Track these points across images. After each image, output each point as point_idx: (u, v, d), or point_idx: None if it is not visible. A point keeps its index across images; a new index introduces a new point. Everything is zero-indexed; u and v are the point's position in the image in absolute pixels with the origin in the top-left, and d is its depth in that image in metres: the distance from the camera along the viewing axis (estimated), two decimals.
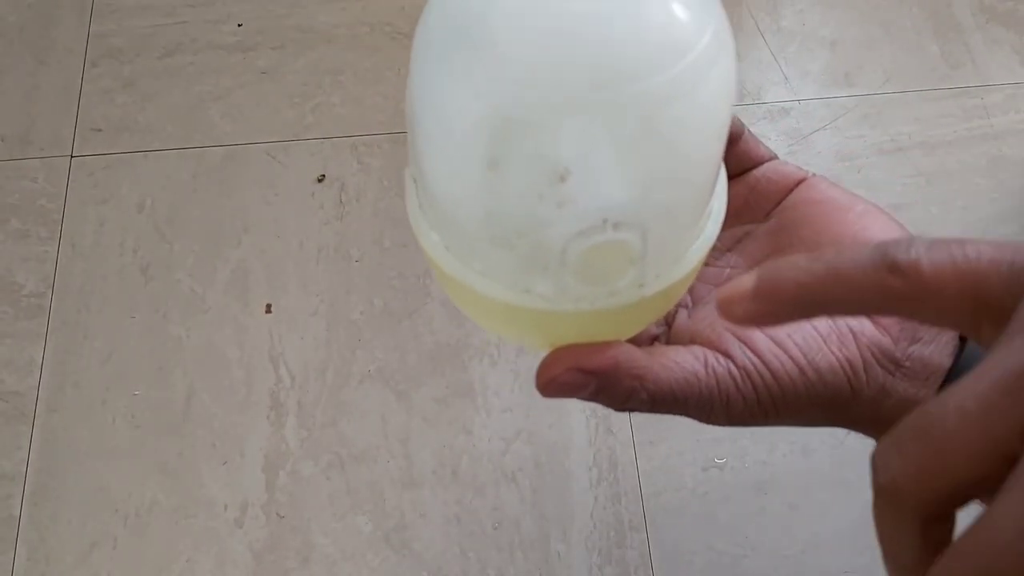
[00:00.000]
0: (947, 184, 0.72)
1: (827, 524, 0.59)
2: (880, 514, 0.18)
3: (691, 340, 0.29)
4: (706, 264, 0.32)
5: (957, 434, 0.16)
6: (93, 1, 0.79)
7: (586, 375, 0.26)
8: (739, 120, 0.31)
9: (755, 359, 0.27)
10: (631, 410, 0.27)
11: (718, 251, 0.33)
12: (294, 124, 0.73)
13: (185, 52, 0.77)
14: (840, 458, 0.61)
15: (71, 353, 0.64)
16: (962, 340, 0.28)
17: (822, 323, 0.27)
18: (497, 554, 0.58)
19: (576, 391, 0.26)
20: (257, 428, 0.62)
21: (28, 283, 0.66)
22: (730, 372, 0.27)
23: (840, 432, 0.60)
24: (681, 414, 0.27)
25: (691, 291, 0.32)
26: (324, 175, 0.71)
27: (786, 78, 0.76)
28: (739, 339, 0.27)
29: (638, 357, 0.26)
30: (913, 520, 0.17)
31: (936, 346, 0.28)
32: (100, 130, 0.73)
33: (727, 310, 0.20)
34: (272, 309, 0.66)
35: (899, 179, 0.72)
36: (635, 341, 0.29)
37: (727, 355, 0.27)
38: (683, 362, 0.27)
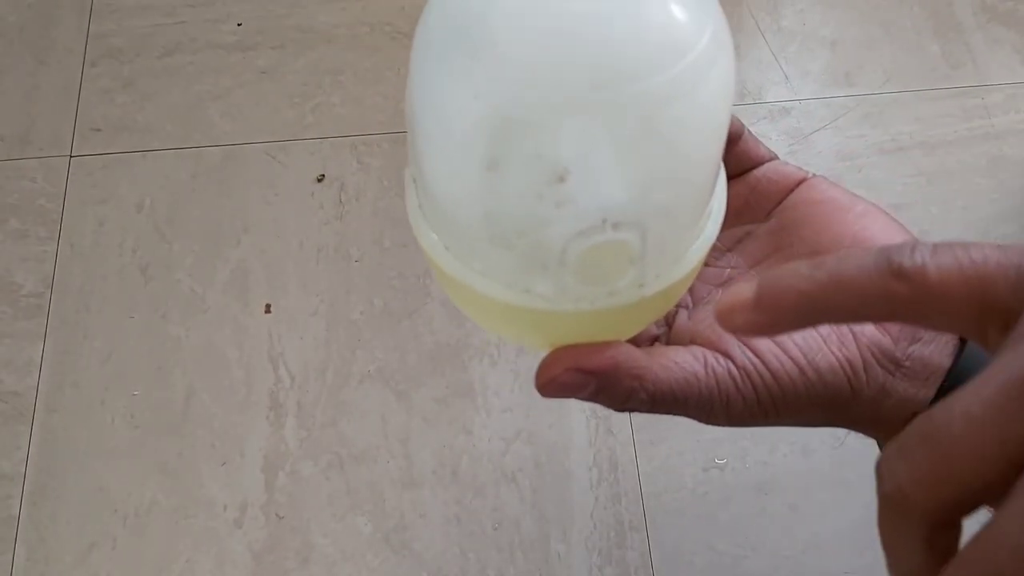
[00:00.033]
0: (948, 184, 0.71)
1: (828, 524, 0.59)
2: (885, 522, 0.17)
3: (691, 340, 0.29)
4: (706, 264, 0.32)
5: (964, 440, 0.15)
6: (92, 1, 0.79)
7: (586, 375, 0.25)
8: (739, 120, 0.31)
9: (755, 359, 0.27)
10: (631, 410, 0.27)
11: (718, 251, 0.33)
12: (294, 124, 0.73)
13: (184, 52, 0.77)
14: (840, 458, 0.61)
15: (70, 353, 0.64)
16: (962, 340, 0.28)
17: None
18: (497, 554, 0.58)
19: (575, 391, 0.26)
20: (257, 428, 0.61)
21: (27, 283, 0.66)
22: (730, 372, 0.27)
23: (840, 432, 0.60)
24: (681, 414, 0.27)
25: (691, 291, 0.32)
26: (324, 175, 0.71)
27: (787, 78, 0.76)
28: (739, 340, 0.27)
29: (638, 357, 0.26)
30: (919, 528, 0.16)
31: (936, 346, 0.28)
32: (99, 130, 0.73)
33: (727, 320, 0.20)
34: (272, 309, 0.66)
35: (900, 179, 0.72)
36: (635, 341, 0.29)
37: (727, 355, 0.27)
38: (683, 362, 0.27)
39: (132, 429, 0.61)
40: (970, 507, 0.16)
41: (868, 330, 0.27)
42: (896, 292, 0.18)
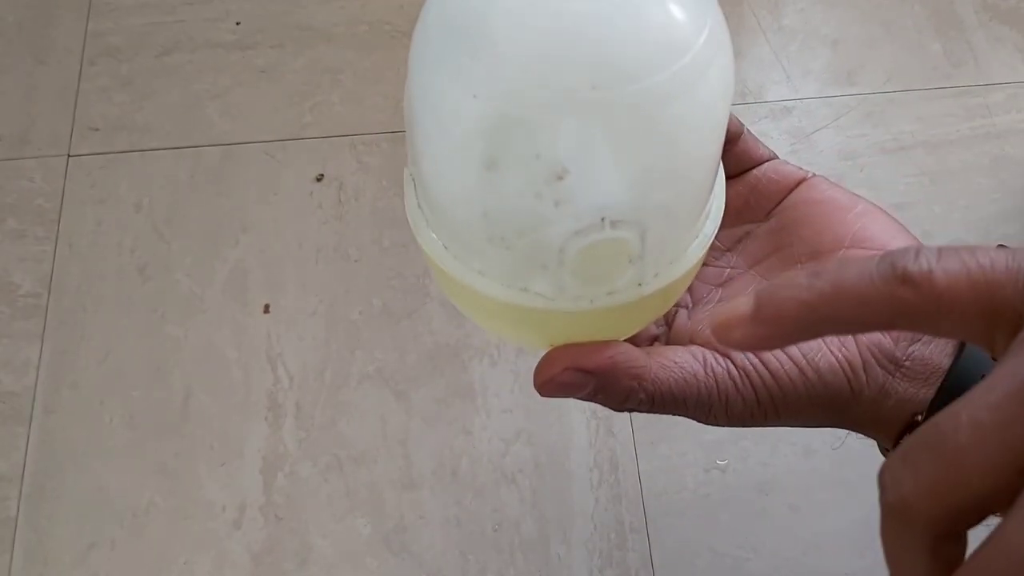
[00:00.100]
0: (950, 183, 0.71)
1: (829, 525, 0.59)
2: (889, 533, 0.17)
3: (691, 340, 0.28)
4: (706, 264, 0.32)
5: (971, 447, 0.15)
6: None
7: (584, 375, 0.25)
8: (738, 120, 0.31)
9: (754, 359, 0.27)
10: (630, 410, 0.27)
11: (718, 251, 0.32)
12: (293, 123, 0.73)
13: (183, 50, 0.76)
14: (841, 459, 0.61)
15: (68, 353, 0.64)
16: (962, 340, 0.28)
17: None
18: (497, 556, 0.58)
19: (574, 391, 0.26)
20: (255, 429, 0.61)
21: (25, 283, 0.66)
22: (729, 372, 0.26)
23: (841, 433, 0.59)
24: (680, 414, 0.27)
25: (691, 291, 0.32)
26: (323, 174, 0.71)
27: (788, 77, 0.76)
28: None
29: (637, 357, 0.26)
30: (924, 539, 0.16)
31: (936, 346, 0.28)
32: (97, 129, 0.73)
33: (724, 335, 0.19)
34: (270, 309, 0.65)
35: (902, 178, 0.72)
36: (635, 341, 0.29)
37: (726, 355, 0.27)
38: (682, 362, 0.26)
39: (130, 430, 0.61)
40: (976, 517, 0.16)
41: None
42: (902, 299, 0.17)
